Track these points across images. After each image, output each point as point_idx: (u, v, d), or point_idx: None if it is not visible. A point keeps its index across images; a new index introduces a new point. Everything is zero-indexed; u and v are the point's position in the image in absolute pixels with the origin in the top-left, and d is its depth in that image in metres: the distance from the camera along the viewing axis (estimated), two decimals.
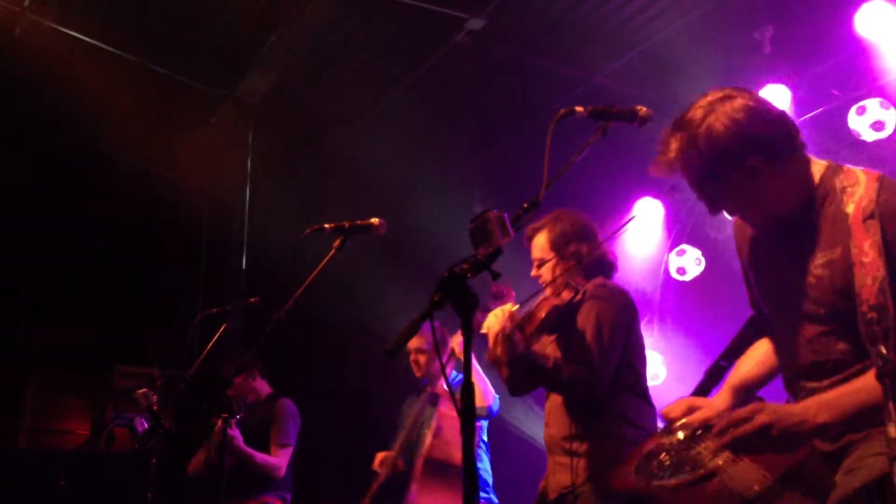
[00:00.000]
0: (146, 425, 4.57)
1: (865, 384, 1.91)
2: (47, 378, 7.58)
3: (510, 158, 7.38)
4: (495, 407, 4.60)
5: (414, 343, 4.89)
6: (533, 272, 3.52)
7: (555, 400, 3.37)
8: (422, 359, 4.94)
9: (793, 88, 6.13)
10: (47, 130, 7.04)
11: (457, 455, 4.36)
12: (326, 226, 3.31)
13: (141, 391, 4.40)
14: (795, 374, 2.22)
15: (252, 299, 4.27)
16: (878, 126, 5.83)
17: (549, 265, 3.45)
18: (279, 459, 5.16)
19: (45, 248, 7.18)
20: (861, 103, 5.88)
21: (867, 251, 1.98)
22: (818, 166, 2.20)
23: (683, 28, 6.06)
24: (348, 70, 6.84)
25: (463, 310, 1.97)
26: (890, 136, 5.83)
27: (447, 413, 4.46)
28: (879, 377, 1.71)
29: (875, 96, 5.84)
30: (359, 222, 3.30)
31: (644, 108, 2.44)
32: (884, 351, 1.75)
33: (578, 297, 3.34)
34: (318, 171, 7.66)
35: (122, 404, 6.51)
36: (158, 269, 7.50)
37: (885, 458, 1.74)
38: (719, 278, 6.92)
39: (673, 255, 7.14)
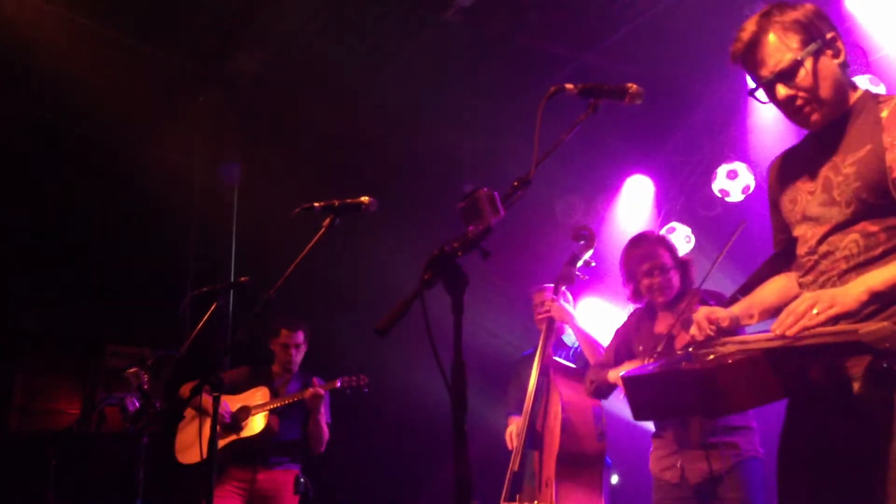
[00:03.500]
0: (137, 405, 4.58)
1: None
2: (37, 358, 7.56)
3: (500, 136, 7.37)
4: None
5: (539, 297, 5.23)
6: None
7: None
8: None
9: None
10: (32, 111, 6.98)
11: (589, 445, 4.42)
12: (316, 204, 3.31)
13: (131, 371, 4.41)
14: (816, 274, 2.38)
15: (242, 279, 4.27)
16: None
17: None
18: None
19: (33, 228, 7.15)
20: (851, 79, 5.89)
21: None
22: (858, 89, 2.43)
23: (673, 4, 6.03)
24: (337, 48, 6.79)
25: (453, 288, 1.97)
26: None
27: (570, 401, 4.46)
28: None
29: (865, 73, 5.85)
30: (349, 201, 3.29)
31: (634, 86, 2.43)
32: None
33: None
34: (308, 150, 7.62)
35: (113, 384, 6.51)
36: (148, 249, 7.47)
37: None
38: (709, 256, 6.95)
39: (663, 232, 7.16)
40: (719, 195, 6.76)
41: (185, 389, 5.28)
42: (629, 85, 2.43)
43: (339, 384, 5.19)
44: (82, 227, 7.32)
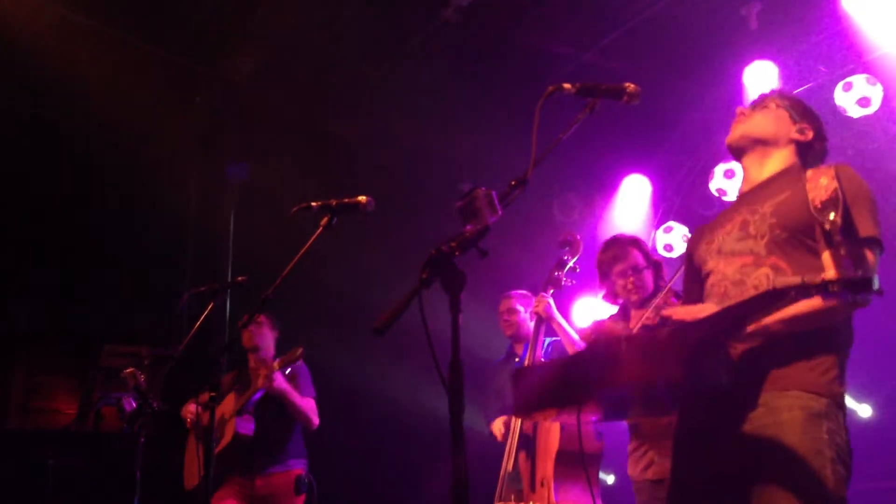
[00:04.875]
0: (134, 404, 4.57)
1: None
2: (34, 357, 7.55)
3: (498, 135, 7.37)
4: None
5: (505, 304, 5.29)
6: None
7: None
8: (514, 318, 5.21)
9: (779, 65, 6.13)
10: (30, 108, 6.96)
11: (588, 444, 4.42)
12: (314, 204, 3.30)
13: (129, 370, 4.39)
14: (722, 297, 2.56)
15: (240, 278, 4.26)
16: (864, 102, 5.85)
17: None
18: (313, 406, 5.22)
19: (30, 226, 7.14)
20: (847, 79, 5.89)
21: (821, 181, 2.36)
22: (795, 160, 2.71)
23: (671, 4, 6.03)
24: (335, 47, 6.79)
25: (450, 288, 1.97)
26: (876, 112, 5.85)
27: None
28: (827, 237, 2.14)
29: (861, 72, 5.85)
30: (346, 200, 3.28)
31: (632, 85, 2.43)
32: (831, 217, 2.13)
33: None
34: (305, 150, 7.62)
35: (110, 384, 6.50)
36: (146, 248, 7.46)
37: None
38: None
39: (660, 231, 7.16)
40: (716, 194, 6.76)
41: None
42: (627, 84, 2.43)
43: (276, 364, 4.94)
44: (80, 226, 7.31)
